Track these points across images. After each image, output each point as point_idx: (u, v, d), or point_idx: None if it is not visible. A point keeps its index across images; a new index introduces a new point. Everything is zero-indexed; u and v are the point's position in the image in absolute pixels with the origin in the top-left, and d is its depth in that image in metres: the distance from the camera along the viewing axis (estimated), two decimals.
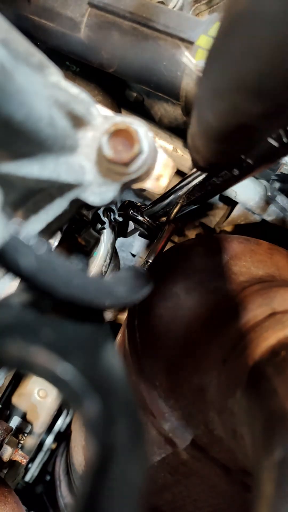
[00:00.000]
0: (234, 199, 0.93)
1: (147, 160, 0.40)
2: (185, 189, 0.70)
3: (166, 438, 0.59)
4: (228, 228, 1.04)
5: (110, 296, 0.33)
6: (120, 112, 0.90)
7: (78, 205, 0.44)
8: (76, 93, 0.40)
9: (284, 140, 0.40)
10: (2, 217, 0.26)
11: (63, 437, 1.13)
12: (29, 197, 0.43)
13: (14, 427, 0.92)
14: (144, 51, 0.61)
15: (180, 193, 0.71)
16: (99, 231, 0.70)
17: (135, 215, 0.77)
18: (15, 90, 0.32)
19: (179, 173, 0.93)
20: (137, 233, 0.86)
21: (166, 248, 0.81)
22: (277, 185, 0.96)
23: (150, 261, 0.81)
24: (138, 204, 0.78)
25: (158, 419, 0.59)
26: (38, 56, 0.38)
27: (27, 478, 1.09)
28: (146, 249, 1.16)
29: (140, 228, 0.80)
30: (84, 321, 0.32)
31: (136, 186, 0.43)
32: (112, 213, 0.70)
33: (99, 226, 0.70)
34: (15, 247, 0.26)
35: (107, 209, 0.70)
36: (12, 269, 0.27)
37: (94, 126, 0.42)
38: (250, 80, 0.28)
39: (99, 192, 0.42)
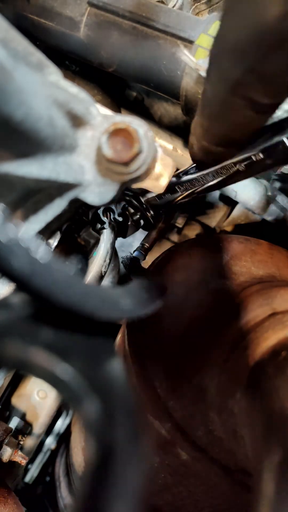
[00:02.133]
0: (234, 199, 0.93)
1: (147, 159, 0.40)
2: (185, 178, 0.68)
3: (166, 439, 0.59)
4: (228, 228, 1.04)
5: (115, 308, 0.32)
6: (119, 111, 0.90)
7: (78, 205, 0.44)
8: (75, 93, 0.40)
9: None
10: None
11: (63, 438, 1.13)
12: (28, 197, 0.43)
13: (13, 428, 0.91)
14: (144, 51, 0.61)
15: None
16: (99, 231, 0.69)
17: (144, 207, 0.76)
18: (14, 90, 0.32)
19: None
20: (136, 233, 0.86)
21: (166, 248, 0.81)
22: (277, 184, 0.96)
23: (146, 244, 0.82)
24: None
25: (158, 420, 0.59)
26: (37, 55, 0.38)
27: (27, 479, 1.09)
28: None
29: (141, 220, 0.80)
30: (85, 328, 0.31)
31: (135, 185, 0.43)
32: (111, 213, 0.70)
33: (98, 226, 0.69)
34: (9, 248, 0.25)
35: (107, 209, 0.69)
36: (6, 272, 0.26)
37: (93, 125, 0.42)
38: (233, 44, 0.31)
39: (98, 192, 0.42)
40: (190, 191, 0.67)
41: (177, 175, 0.69)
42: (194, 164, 0.67)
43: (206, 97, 0.39)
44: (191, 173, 0.66)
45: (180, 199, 0.70)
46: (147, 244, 0.82)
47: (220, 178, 0.62)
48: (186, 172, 0.67)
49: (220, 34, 0.33)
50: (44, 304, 0.29)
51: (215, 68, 0.35)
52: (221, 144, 0.45)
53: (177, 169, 0.68)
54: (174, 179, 0.69)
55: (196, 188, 0.66)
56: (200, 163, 0.58)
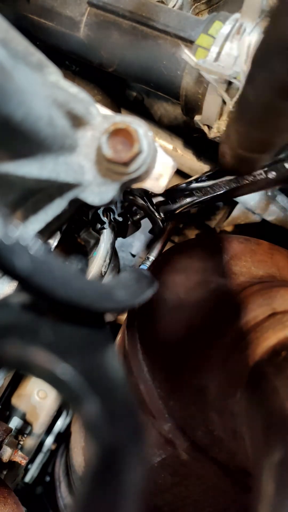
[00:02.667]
0: (234, 199, 0.93)
1: (147, 159, 0.40)
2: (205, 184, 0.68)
3: (166, 439, 0.59)
4: (228, 228, 1.04)
5: (110, 300, 0.32)
6: (119, 111, 0.90)
7: (78, 205, 0.44)
8: (75, 93, 0.40)
9: None
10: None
11: (63, 438, 1.12)
12: (28, 197, 0.43)
13: (13, 428, 0.91)
14: (144, 50, 0.61)
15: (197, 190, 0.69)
16: (99, 231, 0.70)
17: (152, 210, 0.76)
18: (14, 90, 0.32)
19: (178, 172, 0.93)
20: (137, 233, 0.86)
21: (166, 248, 0.81)
22: None
23: (152, 257, 0.82)
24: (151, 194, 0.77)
25: (158, 420, 0.59)
26: (37, 55, 0.38)
27: (27, 479, 1.09)
28: (145, 249, 1.15)
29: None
30: (83, 324, 0.31)
31: (135, 185, 0.43)
32: (111, 213, 0.70)
33: (98, 226, 0.69)
34: (11, 247, 0.25)
35: (107, 209, 0.69)
36: (7, 270, 0.26)
37: (93, 125, 0.42)
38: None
39: (98, 192, 0.42)
40: (200, 199, 0.68)
41: (189, 182, 0.69)
42: (208, 173, 0.67)
43: (247, 102, 0.37)
44: (203, 181, 0.67)
45: (189, 206, 0.71)
46: (153, 257, 0.82)
47: (229, 188, 0.63)
48: (197, 180, 0.68)
49: (271, 32, 0.31)
50: (45, 301, 0.29)
51: (261, 71, 0.33)
52: (258, 150, 0.43)
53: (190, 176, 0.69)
54: (184, 185, 0.69)
55: (206, 196, 0.67)
56: (231, 172, 0.57)
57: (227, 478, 0.58)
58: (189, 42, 0.58)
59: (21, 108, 0.33)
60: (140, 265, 0.81)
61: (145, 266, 0.80)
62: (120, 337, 0.76)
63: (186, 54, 0.53)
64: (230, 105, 0.51)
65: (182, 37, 0.58)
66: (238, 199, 0.92)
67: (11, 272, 0.26)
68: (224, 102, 0.54)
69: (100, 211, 0.69)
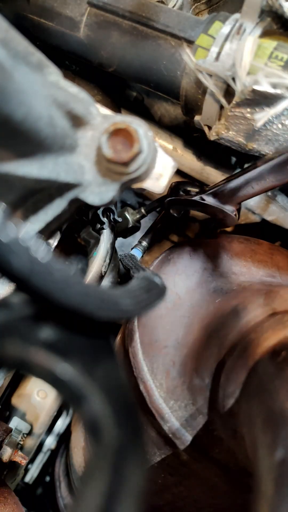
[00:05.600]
0: None
1: (147, 159, 0.40)
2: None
3: (166, 439, 0.59)
4: (228, 228, 1.04)
5: (115, 309, 0.31)
6: (119, 111, 0.90)
7: (78, 205, 0.44)
8: (75, 93, 0.40)
9: None
10: None
11: (63, 438, 1.12)
12: (28, 197, 0.43)
13: (13, 428, 0.91)
14: (144, 51, 0.61)
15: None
16: (99, 231, 0.70)
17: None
18: (14, 90, 0.32)
19: (178, 172, 0.93)
20: (137, 233, 0.86)
21: (166, 248, 0.81)
22: None
23: (145, 242, 0.82)
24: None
25: (158, 420, 0.59)
26: (37, 55, 0.38)
27: (27, 479, 1.09)
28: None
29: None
30: (85, 330, 0.31)
31: (135, 185, 0.43)
32: (111, 213, 0.70)
33: (98, 226, 0.69)
34: (10, 247, 0.25)
35: (107, 209, 0.70)
36: (5, 271, 0.25)
37: (93, 125, 0.42)
38: None
39: (98, 192, 0.42)
40: None
41: None
42: None
43: None
44: None
45: None
46: (145, 242, 0.83)
47: None
48: None
49: None
50: (44, 304, 0.29)
51: None
52: None
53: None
54: None
55: None
56: None
57: (227, 478, 0.58)
58: (189, 42, 0.57)
59: (21, 108, 0.33)
60: (132, 248, 0.81)
61: (136, 250, 0.80)
62: (120, 337, 0.76)
63: (186, 54, 0.53)
64: (228, 110, 0.51)
65: (182, 37, 0.58)
66: None
67: (7, 272, 0.25)
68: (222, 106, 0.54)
69: (100, 211, 0.69)
